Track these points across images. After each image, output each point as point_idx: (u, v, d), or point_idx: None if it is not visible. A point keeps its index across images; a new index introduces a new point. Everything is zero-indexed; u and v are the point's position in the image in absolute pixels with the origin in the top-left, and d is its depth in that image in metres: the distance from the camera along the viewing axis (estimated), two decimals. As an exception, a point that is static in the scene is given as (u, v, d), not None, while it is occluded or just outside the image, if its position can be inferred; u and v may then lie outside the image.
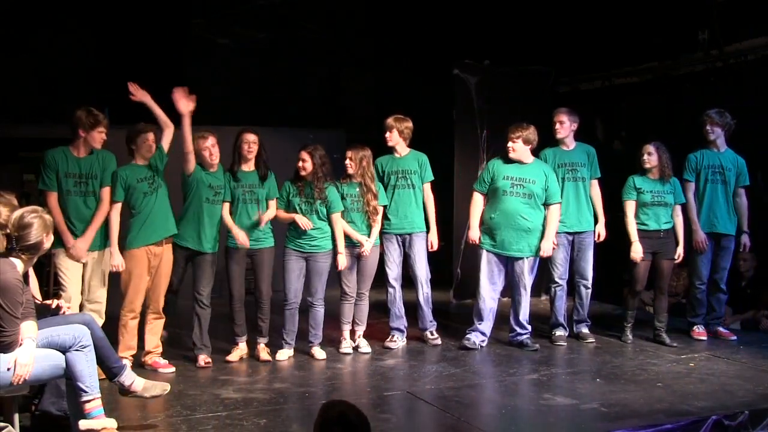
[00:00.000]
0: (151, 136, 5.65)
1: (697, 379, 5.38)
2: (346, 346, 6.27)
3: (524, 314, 6.42)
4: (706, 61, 7.80)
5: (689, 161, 6.68)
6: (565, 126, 6.62)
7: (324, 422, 2.80)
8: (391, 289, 6.46)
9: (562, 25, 8.92)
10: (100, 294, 5.53)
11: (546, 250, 6.28)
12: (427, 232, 6.50)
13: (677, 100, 7.91)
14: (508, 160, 6.32)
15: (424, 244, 6.48)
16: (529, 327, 6.48)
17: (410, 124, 6.46)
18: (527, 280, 6.34)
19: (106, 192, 5.51)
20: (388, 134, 6.41)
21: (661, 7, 8.06)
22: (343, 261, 6.05)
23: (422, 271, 6.48)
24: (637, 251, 6.41)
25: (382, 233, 6.38)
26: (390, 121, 6.43)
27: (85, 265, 5.44)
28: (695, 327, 6.73)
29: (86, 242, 5.42)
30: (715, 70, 7.74)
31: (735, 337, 6.74)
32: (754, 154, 7.24)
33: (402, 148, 6.47)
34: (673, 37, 8.06)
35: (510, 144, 6.28)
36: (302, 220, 5.91)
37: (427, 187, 6.50)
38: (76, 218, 5.41)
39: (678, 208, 6.56)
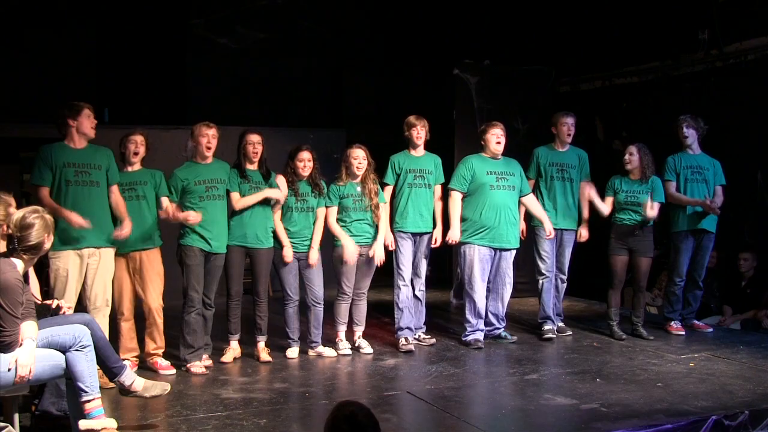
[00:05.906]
0: (139, 138, 5.61)
1: (697, 379, 5.38)
2: (345, 347, 6.22)
3: (505, 308, 6.57)
4: (706, 61, 7.81)
5: (668, 163, 6.78)
6: (574, 129, 6.70)
7: (334, 419, 2.84)
8: (405, 289, 6.38)
9: (562, 25, 8.93)
10: (108, 297, 5.31)
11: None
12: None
13: (677, 100, 7.91)
14: (483, 156, 6.41)
15: (430, 242, 6.49)
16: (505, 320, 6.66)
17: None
18: (511, 272, 6.49)
19: (116, 189, 5.38)
20: (422, 132, 6.37)
21: (662, 7, 8.07)
22: (314, 256, 6.01)
23: (425, 269, 6.50)
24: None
25: (395, 231, 6.35)
26: (416, 119, 6.40)
27: (88, 267, 5.18)
28: (672, 322, 6.86)
29: (128, 228, 5.27)
30: (715, 70, 7.75)
31: (711, 329, 6.95)
32: (754, 154, 7.25)
33: (421, 148, 6.47)
34: (674, 37, 8.07)
35: (501, 140, 6.34)
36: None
37: (438, 188, 6.51)
38: (76, 210, 5.05)
39: (655, 205, 6.52)
